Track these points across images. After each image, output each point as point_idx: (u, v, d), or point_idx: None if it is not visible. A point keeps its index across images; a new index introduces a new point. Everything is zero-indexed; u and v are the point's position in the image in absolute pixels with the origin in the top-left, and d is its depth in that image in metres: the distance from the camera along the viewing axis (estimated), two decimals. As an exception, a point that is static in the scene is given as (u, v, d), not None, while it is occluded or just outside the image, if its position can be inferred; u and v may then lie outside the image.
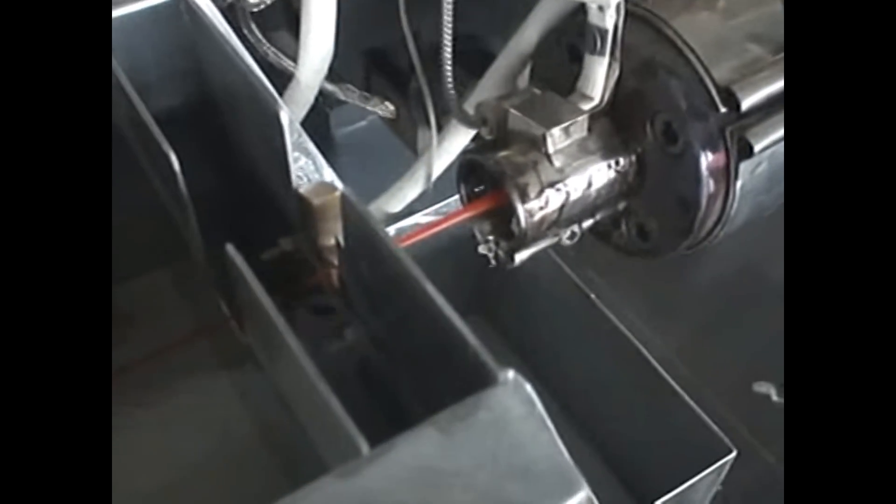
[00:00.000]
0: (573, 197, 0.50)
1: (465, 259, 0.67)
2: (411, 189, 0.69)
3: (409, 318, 0.37)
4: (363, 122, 0.98)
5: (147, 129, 0.42)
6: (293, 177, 0.47)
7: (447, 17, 0.54)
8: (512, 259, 0.52)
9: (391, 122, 0.77)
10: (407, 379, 0.40)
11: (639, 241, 0.55)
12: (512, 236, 0.51)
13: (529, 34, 0.56)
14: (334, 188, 0.46)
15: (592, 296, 0.66)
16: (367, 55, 0.75)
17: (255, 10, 0.56)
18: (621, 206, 0.54)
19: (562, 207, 0.50)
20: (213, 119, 0.55)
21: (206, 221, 0.48)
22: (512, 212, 0.49)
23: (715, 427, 0.59)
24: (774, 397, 1.29)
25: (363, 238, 0.40)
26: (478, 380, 0.33)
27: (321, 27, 0.55)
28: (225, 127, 0.55)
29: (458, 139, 0.65)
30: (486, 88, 0.60)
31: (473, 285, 0.71)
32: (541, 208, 0.49)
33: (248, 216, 0.53)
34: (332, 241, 0.47)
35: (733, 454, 0.58)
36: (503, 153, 0.50)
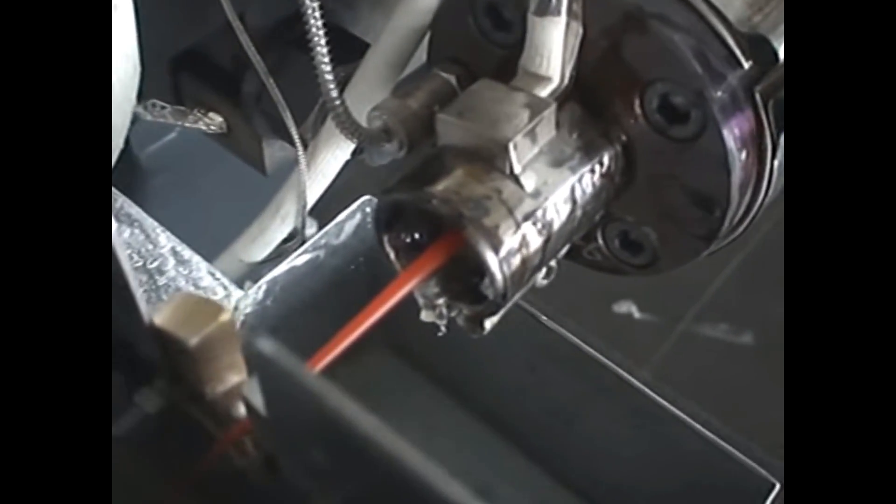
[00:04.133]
0: (557, 225, 0.35)
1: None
2: (278, 229, 0.51)
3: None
4: (172, 135, 0.78)
5: None
6: (137, 297, 0.29)
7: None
8: (481, 326, 0.36)
9: (221, 136, 0.58)
10: None
11: (626, 255, 0.40)
12: (482, 299, 0.35)
13: (425, -3, 0.39)
14: (217, 307, 0.28)
15: (543, 318, 0.51)
16: (171, 59, 0.55)
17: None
18: (599, 215, 0.39)
19: (545, 244, 0.34)
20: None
21: None
22: (480, 267, 0.33)
23: (746, 458, 0.46)
24: (636, 314, 1.21)
25: (308, 413, 0.23)
26: None
27: (122, 42, 0.36)
28: None
29: (337, 155, 0.47)
30: (368, 81, 0.43)
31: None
32: (519, 252, 0.34)
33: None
34: (232, 383, 0.29)
35: (777, 488, 0.46)
36: (447, 183, 0.34)
